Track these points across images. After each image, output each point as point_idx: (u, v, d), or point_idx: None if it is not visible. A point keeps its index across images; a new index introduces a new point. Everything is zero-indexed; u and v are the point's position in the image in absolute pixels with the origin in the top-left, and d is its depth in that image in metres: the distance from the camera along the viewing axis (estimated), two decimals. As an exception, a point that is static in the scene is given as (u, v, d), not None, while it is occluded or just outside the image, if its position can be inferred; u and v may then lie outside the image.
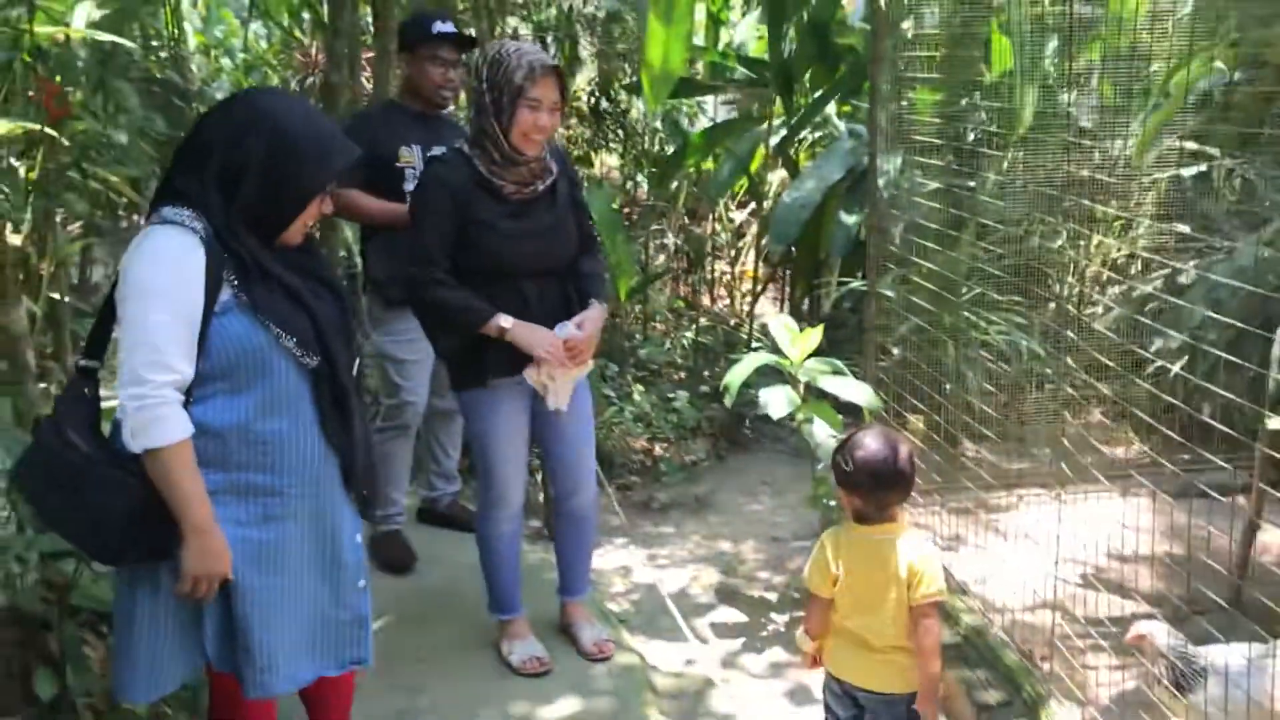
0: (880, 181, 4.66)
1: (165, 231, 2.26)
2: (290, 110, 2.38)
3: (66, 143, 3.65)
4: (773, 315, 7.31)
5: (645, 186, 8.38)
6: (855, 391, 3.75)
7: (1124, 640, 3.09)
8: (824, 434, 3.72)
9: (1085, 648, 3.50)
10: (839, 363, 3.93)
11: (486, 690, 3.50)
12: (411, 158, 4.05)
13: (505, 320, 3.19)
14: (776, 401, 3.75)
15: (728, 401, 3.95)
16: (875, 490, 2.74)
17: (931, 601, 2.68)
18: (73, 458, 2.23)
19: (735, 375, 3.87)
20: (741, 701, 3.57)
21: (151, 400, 2.17)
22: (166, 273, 2.21)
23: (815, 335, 3.83)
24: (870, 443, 2.75)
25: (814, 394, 3.97)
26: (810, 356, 3.88)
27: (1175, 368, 3.83)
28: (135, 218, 6.56)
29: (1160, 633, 2.97)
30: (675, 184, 8.13)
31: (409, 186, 4.06)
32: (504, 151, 3.20)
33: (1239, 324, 3.12)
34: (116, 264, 2.34)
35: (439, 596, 4.10)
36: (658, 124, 8.18)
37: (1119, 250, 5.51)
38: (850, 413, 4.27)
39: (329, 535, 2.48)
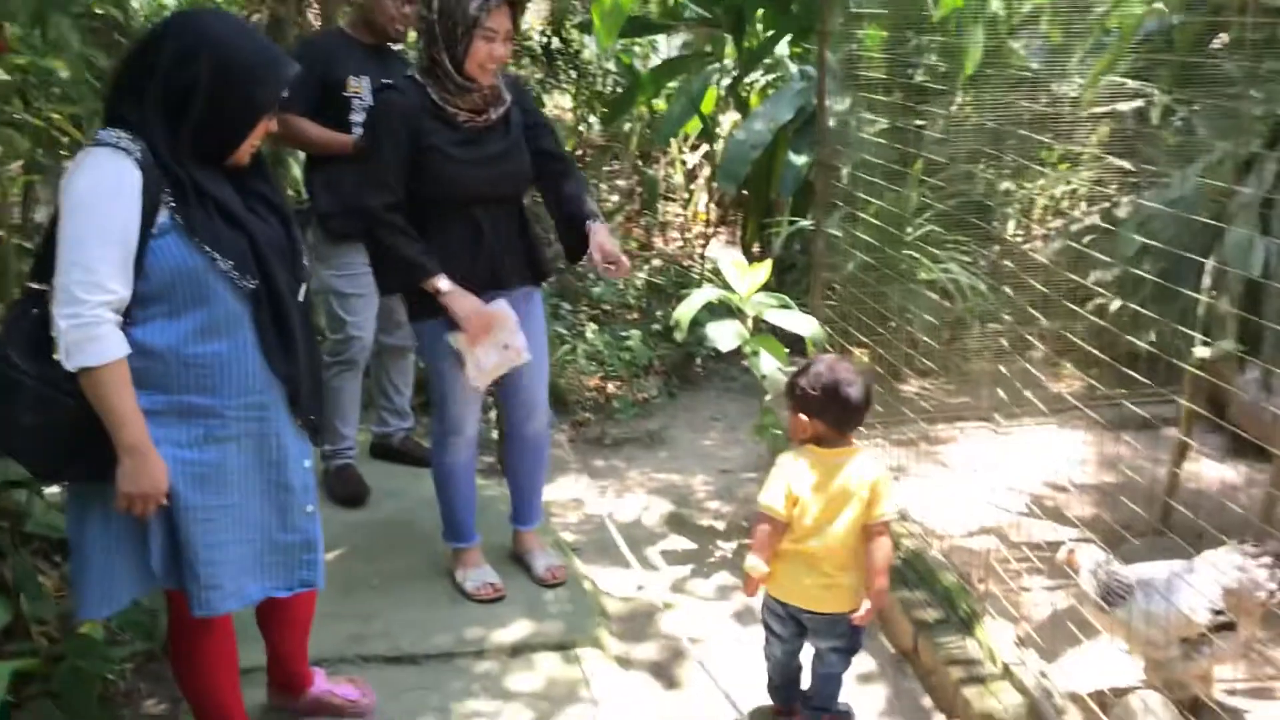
0: (830, 121, 4.70)
1: (99, 153, 2.26)
2: (231, 29, 2.38)
3: (5, 76, 3.59)
4: (724, 256, 7.39)
5: (597, 127, 8.37)
6: (801, 324, 3.82)
7: (1056, 559, 3.22)
8: (770, 366, 3.80)
9: (1020, 571, 3.63)
10: (785, 297, 4.00)
11: (440, 616, 3.57)
12: (360, 87, 4.03)
13: (443, 283, 3.22)
14: (724, 335, 3.82)
15: (679, 336, 4.01)
16: (839, 413, 2.85)
17: (887, 520, 2.84)
18: (13, 375, 2.25)
19: (685, 310, 3.93)
20: (690, 624, 3.67)
21: (86, 320, 2.19)
22: (98, 194, 2.23)
23: (763, 270, 3.89)
24: (836, 368, 2.88)
25: (762, 329, 4.04)
26: (758, 292, 3.94)
27: (1113, 301, 3.92)
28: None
29: (1090, 551, 3.10)
30: (627, 125, 8.13)
31: (355, 118, 4.05)
32: (457, 81, 3.21)
33: (1177, 251, 3.22)
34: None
35: (392, 528, 4.16)
36: (609, 64, 8.15)
37: (1063, 186, 5.61)
38: (795, 348, 4.35)
39: (274, 459, 2.51)
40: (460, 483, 3.66)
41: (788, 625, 2.99)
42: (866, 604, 2.85)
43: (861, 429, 4.46)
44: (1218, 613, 2.90)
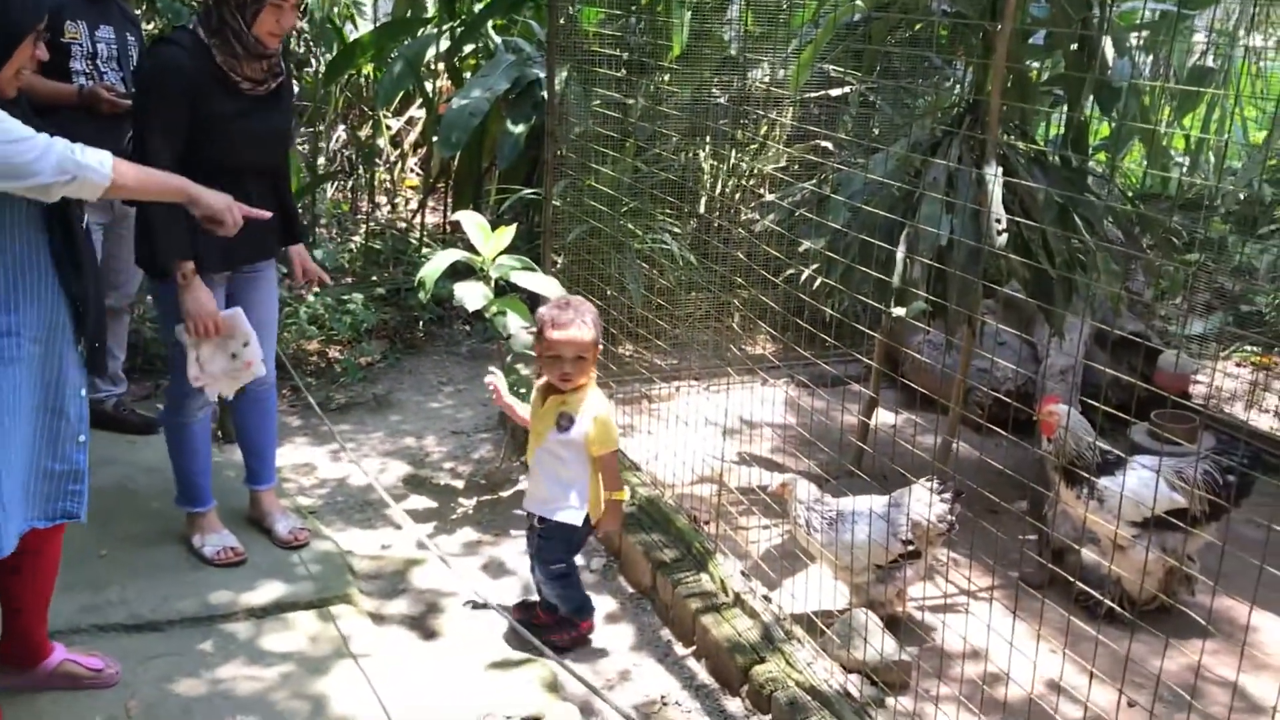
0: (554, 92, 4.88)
1: None
2: None
3: None
4: (437, 222, 7.41)
5: (297, 89, 8.10)
6: (544, 285, 3.98)
7: (770, 490, 3.61)
8: (517, 325, 3.94)
9: (740, 512, 4.00)
10: (528, 260, 4.15)
11: (181, 582, 3.48)
12: (77, 33, 3.81)
13: (188, 268, 3.18)
14: (471, 296, 3.92)
15: (423, 296, 4.07)
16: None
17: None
18: None
19: (430, 270, 3.99)
20: (439, 577, 3.77)
21: None
22: None
23: (508, 233, 4.02)
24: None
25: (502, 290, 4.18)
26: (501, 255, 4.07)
27: (812, 272, 4.37)
28: None
29: (800, 484, 3.50)
30: (330, 88, 7.93)
31: (76, 65, 3.83)
32: (247, 45, 3.15)
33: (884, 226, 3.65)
34: None
35: (115, 497, 3.98)
36: (303, 24, 7.90)
37: (761, 169, 6.10)
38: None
39: (54, 383, 2.47)
40: (197, 444, 3.58)
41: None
42: None
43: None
44: (907, 542, 3.37)
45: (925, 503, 3.41)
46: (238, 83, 3.20)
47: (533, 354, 3.57)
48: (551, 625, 3.43)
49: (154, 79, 3.15)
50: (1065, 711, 2.87)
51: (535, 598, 3.51)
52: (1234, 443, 3.66)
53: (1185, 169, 7.69)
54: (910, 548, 3.37)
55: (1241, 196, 7.13)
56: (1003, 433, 3.01)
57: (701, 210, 6.23)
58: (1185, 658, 3.14)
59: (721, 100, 5.92)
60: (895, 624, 3.36)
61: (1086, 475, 3.39)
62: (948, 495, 3.44)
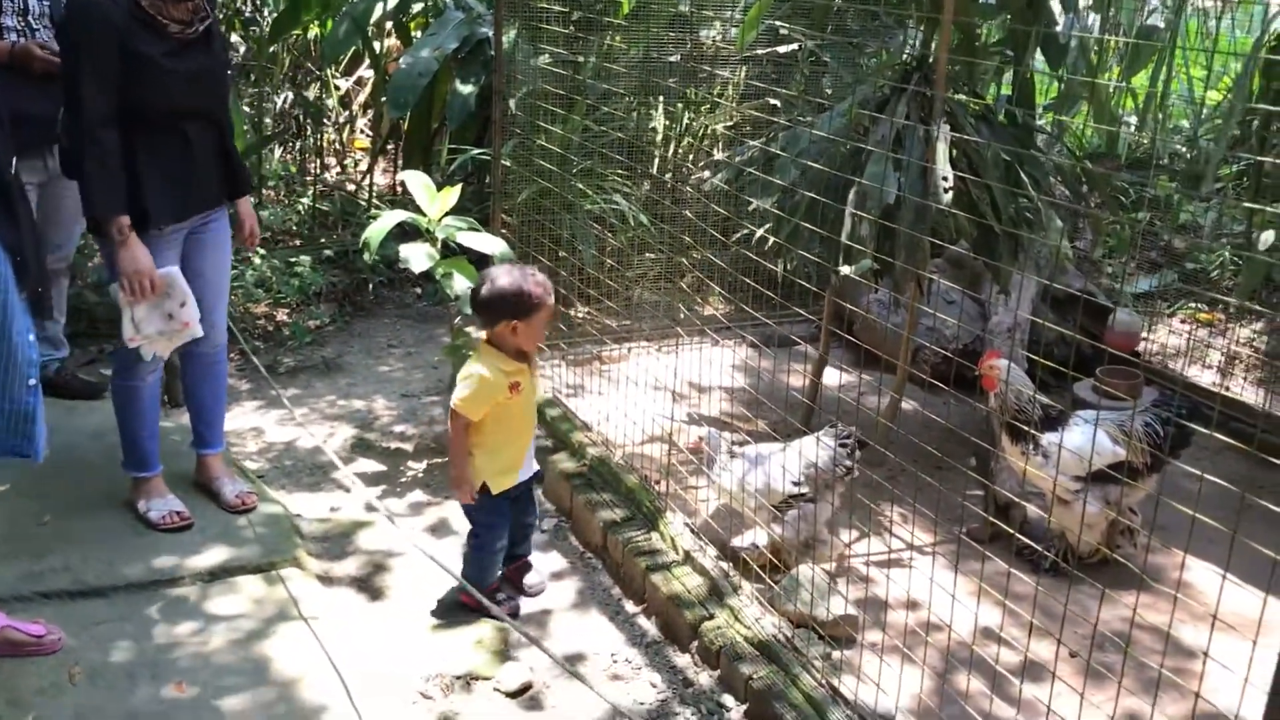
0: (502, 51, 4.82)
1: None
2: None
3: None
4: (387, 183, 7.32)
5: (242, 49, 7.94)
6: (490, 245, 3.95)
7: (688, 446, 3.64)
8: (464, 287, 3.91)
9: (690, 471, 4.00)
10: (474, 220, 4.11)
11: (126, 547, 3.44)
12: None
13: (123, 223, 3.12)
14: (417, 257, 3.88)
15: (368, 258, 4.02)
16: (474, 310, 3.22)
17: (454, 409, 3.16)
18: None
19: (375, 231, 3.94)
20: (387, 539, 3.75)
21: None
22: None
23: (453, 194, 3.98)
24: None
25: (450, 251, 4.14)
26: (447, 215, 4.03)
27: (763, 232, 4.37)
28: None
29: (712, 437, 3.53)
30: (274, 47, 7.78)
31: (7, 21, 3.78)
32: None
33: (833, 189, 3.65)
34: None
35: (59, 463, 3.88)
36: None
37: (713, 127, 6.08)
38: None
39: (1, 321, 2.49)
40: (144, 408, 3.53)
41: None
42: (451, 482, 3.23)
43: (542, 347, 4.71)
44: (797, 484, 3.41)
45: (821, 448, 3.45)
46: (165, 25, 3.13)
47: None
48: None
49: (78, 25, 3.07)
50: (1008, 662, 2.92)
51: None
52: (1173, 396, 3.72)
53: (1133, 128, 7.76)
54: (802, 490, 3.41)
55: (1187, 155, 7.21)
56: (949, 390, 3.04)
57: (654, 170, 6.20)
58: (1126, 609, 3.20)
59: (673, 58, 5.88)
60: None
61: (1030, 430, 3.43)
62: (846, 442, 3.49)
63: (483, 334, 3.26)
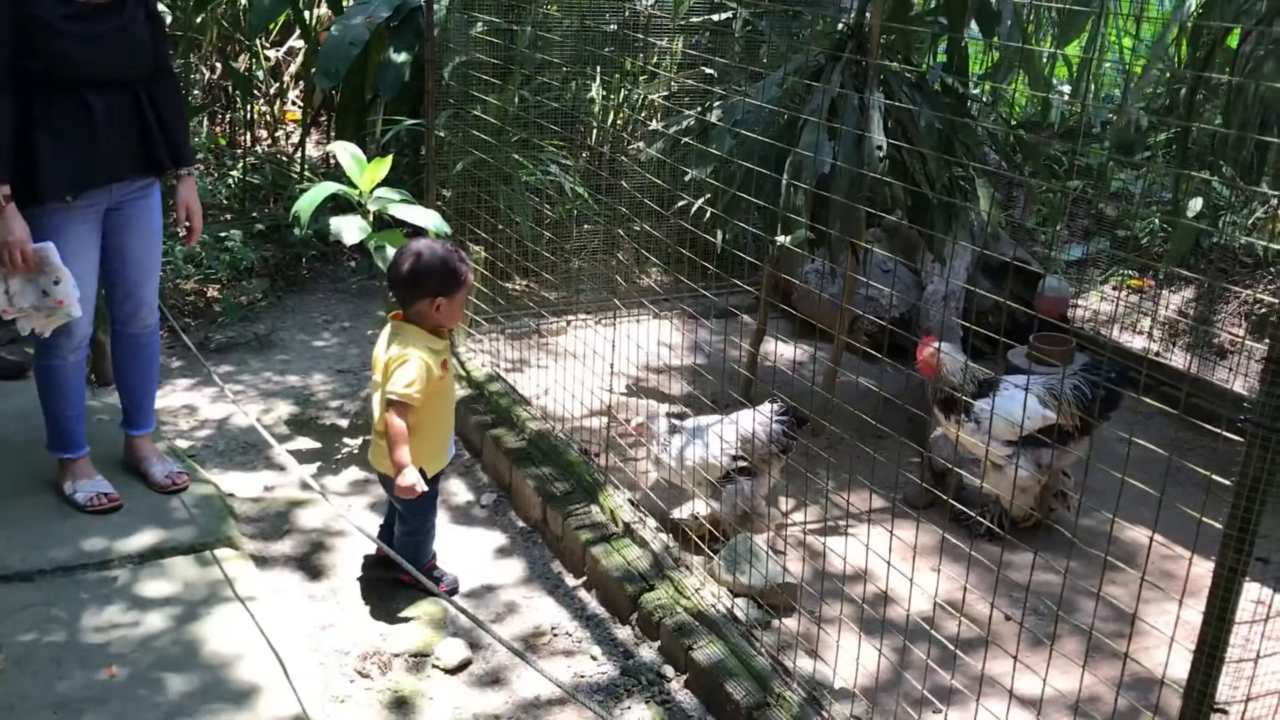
0: (435, 18, 4.73)
1: None
2: None
3: None
4: (320, 156, 7.19)
5: (168, 19, 7.73)
6: (423, 217, 3.88)
7: (632, 429, 3.63)
8: (398, 260, 3.84)
9: (630, 444, 4.00)
10: (406, 192, 4.04)
11: (52, 530, 3.36)
12: None
13: (3, 191, 3.00)
14: (348, 230, 3.80)
15: (299, 232, 3.94)
16: (392, 287, 3.12)
17: (394, 399, 3.00)
18: None
19: (305, 203, 3.86)
20: (324, 518, 3.70)
21: None
22: None
23: (385, 165, 3.91)
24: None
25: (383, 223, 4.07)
26: (380, 187, 3.96)
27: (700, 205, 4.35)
28: None
29: (659, 417, 3.54)
30: (201, 17, 7.59)
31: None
32: None
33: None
34: None
35: (-22, 446, 3.81)
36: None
37: (650, 96, 6.04)
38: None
39: None
40: (69, 388, 3.44)
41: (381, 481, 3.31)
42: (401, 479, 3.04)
43: (480, 321, 4.66)
44: (735, 458, 3.42)
45: (758, 422, 3.47)
46: None
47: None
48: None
49: None
50: (946, 628, 2.95)
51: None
52: (1103, 361, 3.78)
53: (1067, 97, 7.84)
54: (741, 463, 3.43)
55: (1117, 122, 7.30)
56: (887, 360, 3.06)
57: (591, 142, 6.14)
58: (1059, 574, 3.25)
59: (610, 27, 5.82)
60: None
61: (962, 401, 3.47)
62: (783, 417, 3.51)
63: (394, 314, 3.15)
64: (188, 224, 3.53)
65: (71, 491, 3.49)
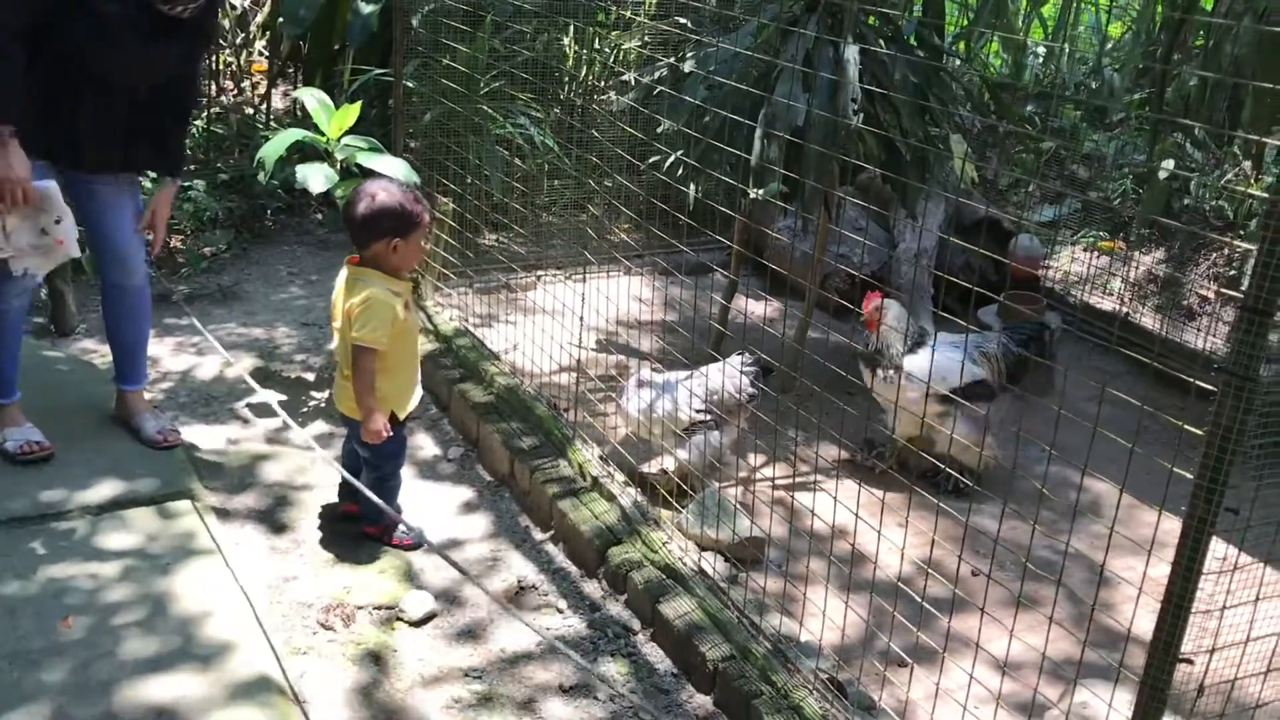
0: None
1: None
2: None
3: None
4: (285, 107, 7.05)
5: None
6: (391, 166, 3.81)
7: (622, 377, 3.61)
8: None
9: (600, 399, 3.97)
10: (375, 140, 3.96)
11: (8, 482, 3.28)
12: None
13: (6, 130, 2.93)
14: (314, 178, 3.73)
15: (263, 179, 3.86)
16: (348, 229, 3.06)
17: (362, 345, 2.99)
18: None
19: (270, 150, 3.78)
20: (289, 469, 3.65)
21: None
22: None
23: (353, 112, 3.83)
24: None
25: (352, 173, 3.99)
26: (347, 135, 3.88)
27: (673, 156, 4.29)
28: None
29: (643, 371, 3.52)
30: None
31: None
32: None
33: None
34: None
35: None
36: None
37: (623, 47, 5.95)
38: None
39: None
40: (8, 336, 3.36)
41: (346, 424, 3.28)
42: (370, 423, 3.04)
43: (449, 275, 4.59)
44: (700, 410, 3.41)
45: (726, 375, 3.45)
46: None
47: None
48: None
49: None
50: (915, 583, 2.95)
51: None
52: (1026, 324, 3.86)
53: (1041, 59, 7.82)
54: (706, 416, 3.41)
55: (1092, 85, 7.29)
56: (859, 313, 3.04)
57: (564, 94, 6.06)
58: (1027, 526, 3.26)
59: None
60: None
61: (885, 359, 3.52)
62: (751, 369, 3.50)
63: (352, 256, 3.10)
64: (150, 233, 3.42)
65: (2, 440, 3.40)
